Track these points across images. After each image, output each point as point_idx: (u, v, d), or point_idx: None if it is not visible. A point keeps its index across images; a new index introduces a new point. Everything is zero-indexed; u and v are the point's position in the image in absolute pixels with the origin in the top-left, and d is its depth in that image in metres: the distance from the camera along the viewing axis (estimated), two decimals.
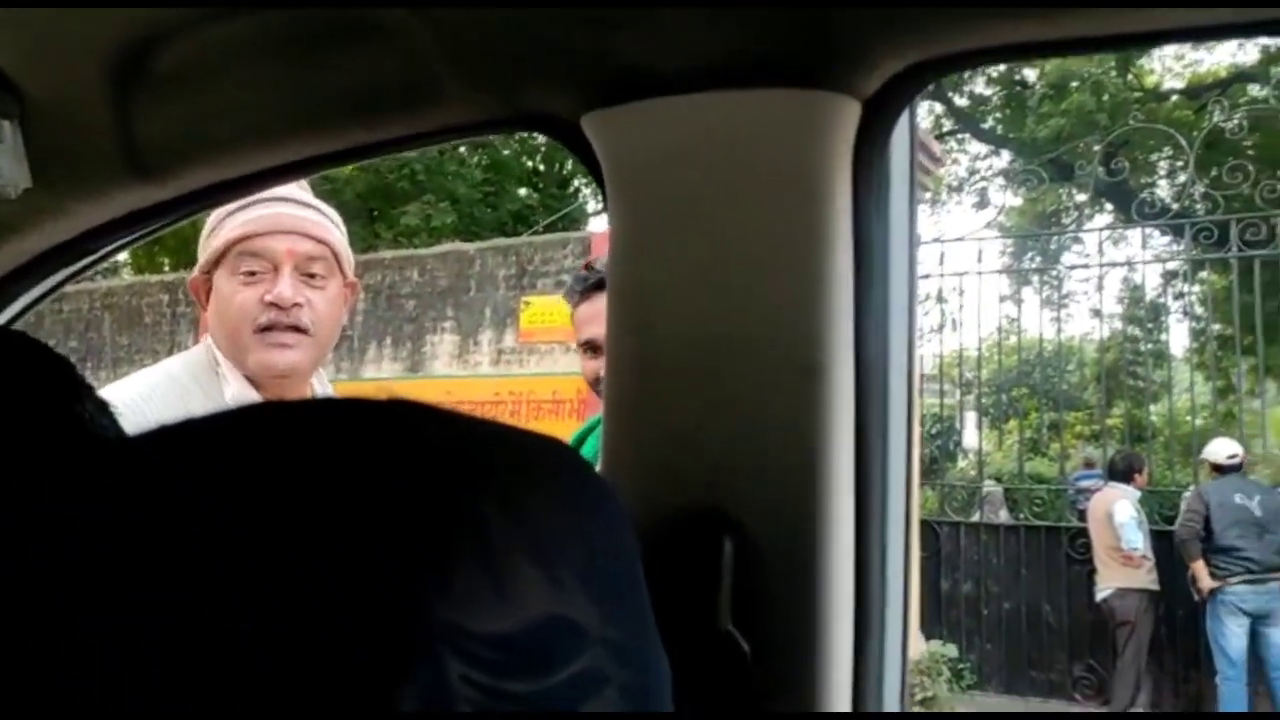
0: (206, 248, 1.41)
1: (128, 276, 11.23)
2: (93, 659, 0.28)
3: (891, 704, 0.74)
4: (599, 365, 1.74)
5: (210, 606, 0.30)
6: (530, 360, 7.74)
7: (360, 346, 8.25)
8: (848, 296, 0.69)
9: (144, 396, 1.29)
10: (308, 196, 1.44)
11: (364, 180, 11.94)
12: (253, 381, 1.37)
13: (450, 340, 8.24)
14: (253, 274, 1.37)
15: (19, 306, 0.97)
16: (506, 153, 13.76)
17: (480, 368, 7.97)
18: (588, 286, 1.77)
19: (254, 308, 1.36)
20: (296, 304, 1.37)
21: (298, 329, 1.38)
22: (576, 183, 14.41)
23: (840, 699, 0.70)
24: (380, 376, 8.08)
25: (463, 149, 12.89)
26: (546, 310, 7.41)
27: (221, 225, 1.39)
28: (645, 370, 0.73)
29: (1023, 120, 14.01)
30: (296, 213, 1.40)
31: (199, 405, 1.29)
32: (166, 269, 12.02)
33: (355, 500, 0.32)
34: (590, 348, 1.76)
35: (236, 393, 1.35)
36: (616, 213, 0.72)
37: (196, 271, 1.43)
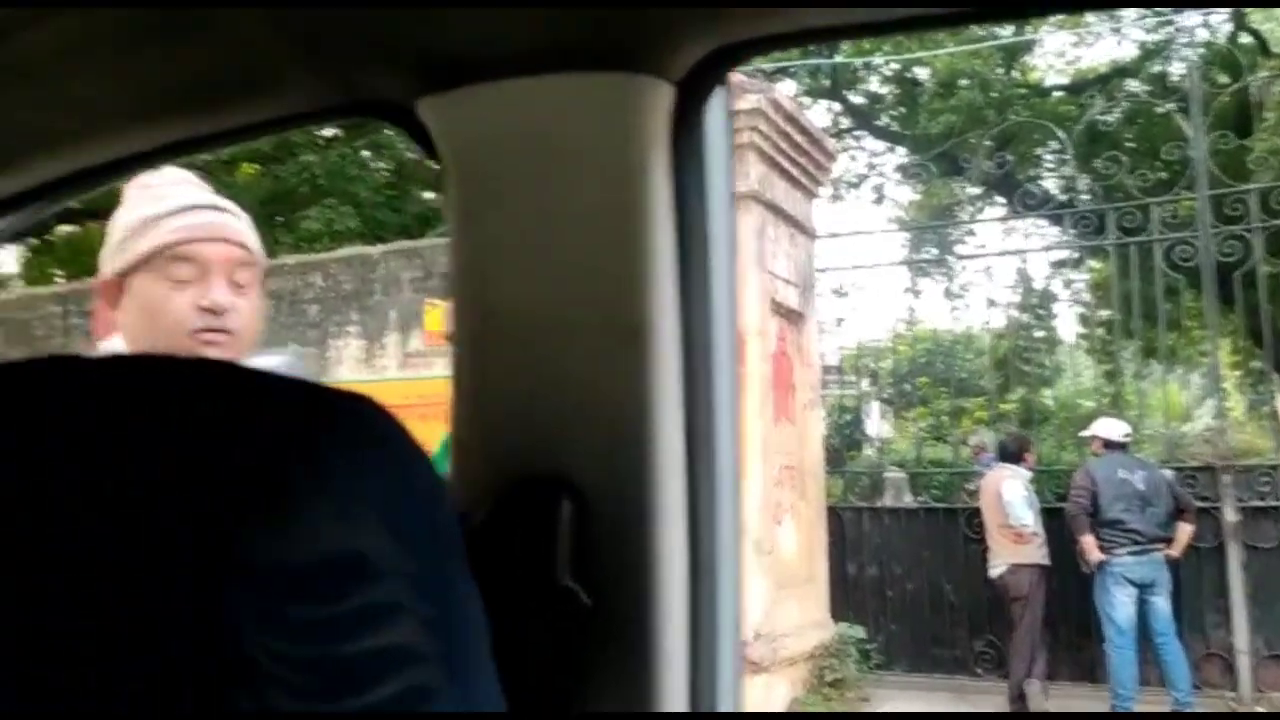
0: (124, 250, 1.40)
1: (18, 289, 10.80)
2: None
3: (726, 655, 0.78)
4: None
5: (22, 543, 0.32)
6: (437, 363, 7.67)
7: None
8: (669, 268, 0.73)
9: None
10: (233, 206, 1.46)
11: (263, 185, 11.69)
12: None
13: (356, 345, 8.13)
14: (183, 280, 1.38)
15: None
16: (410, 155, 13.60)
17: (387, 371, 7.88)
18: None
19: (188, 312, 1.38)
20: (227, 310, 1.40)
21: (226, 331, 1.40)
22: None
23: (676, 647, 0.74)
24: None
25: (365, 152, 12.70)
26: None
27: (149, 229, 1.39)
28: (485, 345, 0.77)
29: (915, 117, 14.37)
30: (232, 221, 1.44)
31: None
32: (58, 281, 11.59)
33: (150, 443, 0.35)
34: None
35: None
36: (453, 195, 0.76)
37: (108, 274, 1.41)
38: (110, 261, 1.41)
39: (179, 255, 1.39)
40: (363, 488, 0.44)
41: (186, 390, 0.39)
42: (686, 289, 0.75)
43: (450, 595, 0.49)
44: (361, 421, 0.49)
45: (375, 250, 8.53)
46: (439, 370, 7.58)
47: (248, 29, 0.74)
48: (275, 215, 11.76)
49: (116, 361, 0.41)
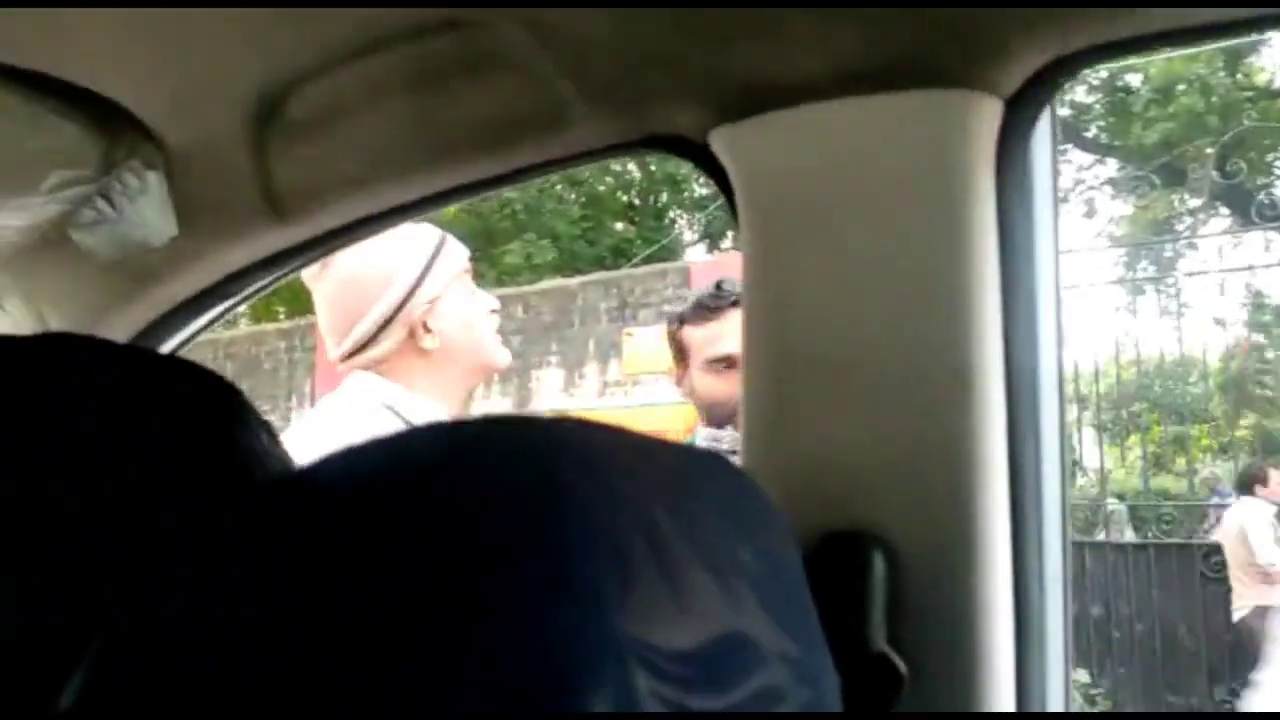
0: (434, 276, 1.49)
1: (245, 326, 11.65)
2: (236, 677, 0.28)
3: None
4: (733, 383, 1.75)
5: (391, 638, 0.29)
6: (634, 391, 7.77)
7: None
8: (995, 301, 0.66)
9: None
10: None
11: (466, 222, 12.21)
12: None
13: (556, 374, 8.34)
14: (474, 290, 1.56)
15: (166, 350, 1.00)
16: (602, 188, 13.91)
17: (587, 400, 8.03)
18: (726, 303, 1.80)
19: (487, 316, 1.56)
20: None
21: None
22: (672, 214, 14.47)
23: None
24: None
25: (559, 186, 13.08)
26: (648, 342, 7.44)
27: (443, 254, 1.52)
28: (785, 387, 0.71)
29: (1128, 127, 13.58)
30: None
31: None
32: (282, 318, 12.44)
33: (527, 513, 0.32)
34: (729, 363, 1.79)
35: (430, 411, 1.48)
36: (749, 228, 0.71)
37: (422, 299, 1.49)
38: (422, 293, 1.48)
39: (468, 269, 1.55)
40: (738, 559, 0.39)
41: (534, 454, 0.35)
42: (1012, 324, 0.67)
43: (820, 674, 0.44)
44: (724, 481, 0.44)
45: (573, 282, 8.74)
46: (636, 399, 7.66)
47: (538, 67, 0.72)
48: (478, 250, 12.26)
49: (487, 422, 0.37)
